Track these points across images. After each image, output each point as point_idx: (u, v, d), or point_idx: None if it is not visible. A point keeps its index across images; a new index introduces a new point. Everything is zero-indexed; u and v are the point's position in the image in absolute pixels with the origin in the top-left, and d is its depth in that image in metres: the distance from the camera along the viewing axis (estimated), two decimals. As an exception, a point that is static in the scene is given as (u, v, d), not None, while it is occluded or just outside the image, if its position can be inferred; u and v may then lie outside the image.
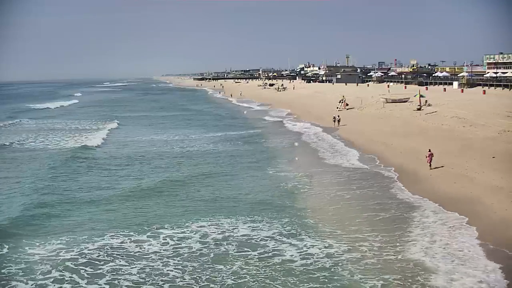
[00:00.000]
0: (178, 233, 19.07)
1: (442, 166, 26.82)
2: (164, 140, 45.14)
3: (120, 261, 16.47)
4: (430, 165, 26.83)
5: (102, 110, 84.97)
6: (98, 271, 15.74)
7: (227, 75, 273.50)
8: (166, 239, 18.42)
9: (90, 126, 58.34)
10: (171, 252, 17.23)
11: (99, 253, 17.10)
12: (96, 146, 41.03)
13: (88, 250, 17.39)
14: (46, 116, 74.53)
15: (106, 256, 16.88)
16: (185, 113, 75.73)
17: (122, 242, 18.16)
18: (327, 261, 16.19)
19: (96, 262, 16.44)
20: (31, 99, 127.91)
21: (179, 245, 17.83)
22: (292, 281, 14.87)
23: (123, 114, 75.66)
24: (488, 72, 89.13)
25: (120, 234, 18.94)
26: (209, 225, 19.89)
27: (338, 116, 48.71)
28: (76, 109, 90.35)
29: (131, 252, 17.28)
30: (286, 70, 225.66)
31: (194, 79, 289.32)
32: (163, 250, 17.46)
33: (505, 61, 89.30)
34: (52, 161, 33.98)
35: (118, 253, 17.19)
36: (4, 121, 65.31)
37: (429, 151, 27.28)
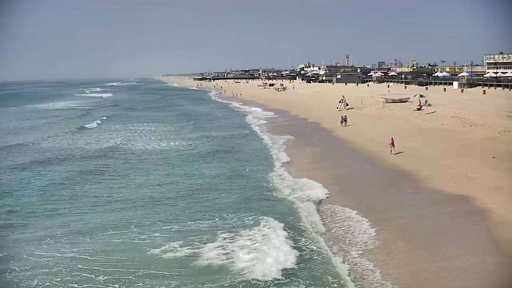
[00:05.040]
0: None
1: (403, 152, 31.12)
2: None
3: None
4: (391, 151, 31.33)
5: (152, 109, 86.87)
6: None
7: (227, 75, 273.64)
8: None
9: (169, 128, 56.61)
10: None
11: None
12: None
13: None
14: (107, 116, 73.25)
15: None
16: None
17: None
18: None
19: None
20: (58, 98, 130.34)
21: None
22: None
23: (182, 114, 75.72)
24: (488, 72, 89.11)
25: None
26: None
27: (345, 116, 47.93)
28: (124, 110, 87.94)
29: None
30: (286, 70, 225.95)
31: (194, 79, 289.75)
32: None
33: (505, 61, 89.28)
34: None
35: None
36: (81, 119, 66.03)
37: (392, 139, 31.88)
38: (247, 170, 30.69)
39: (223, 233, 18.98)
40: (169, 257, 16.93)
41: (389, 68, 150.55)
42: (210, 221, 20.60)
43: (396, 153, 31.07)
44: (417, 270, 15.30)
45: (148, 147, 41.95)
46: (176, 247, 17.65)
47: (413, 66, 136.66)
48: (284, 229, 19.11)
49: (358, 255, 16.64)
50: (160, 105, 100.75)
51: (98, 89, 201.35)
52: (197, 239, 18.39)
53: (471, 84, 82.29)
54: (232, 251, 17.21)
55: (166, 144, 43.15)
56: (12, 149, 41.25)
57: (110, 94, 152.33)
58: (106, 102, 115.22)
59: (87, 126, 58.16)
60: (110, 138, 47.64)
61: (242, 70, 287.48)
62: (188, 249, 17.53)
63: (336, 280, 15.09)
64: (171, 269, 15.99)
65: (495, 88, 73.60)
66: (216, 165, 32.79)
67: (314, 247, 17.55)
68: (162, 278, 15.40)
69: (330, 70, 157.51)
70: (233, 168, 31.32)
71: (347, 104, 60.38)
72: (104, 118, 68.86)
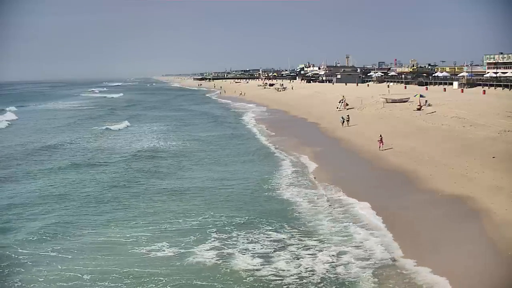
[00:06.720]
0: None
1: (391, 148, 32.80)
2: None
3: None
4: (379, 147, 32.98)
5: (168, 110, 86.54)
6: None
7: (227, 75, 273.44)
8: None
9: (189, 127, 56.86)
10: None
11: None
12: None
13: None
14: (131, 115, 73.40)
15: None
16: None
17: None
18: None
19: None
20: (66, 98, 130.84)
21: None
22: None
23: (192, 114, 75.63)
24: (488, 72, 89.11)
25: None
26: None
27: (348, 116, 47.83)
28: (143, 110, 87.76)
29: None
30: (286, 70, 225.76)
31: (195, 79, 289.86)
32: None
33: (505, 61, 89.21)
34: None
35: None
36: (105, 119, 66.59)
37: (380, 136, 33.59)
38: (249, 171, 30.78)
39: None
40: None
41: (389, 68, 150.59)
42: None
43: (384, 149, 32.71)
44: (416, 270, 15.34)
45: (182, 147, 41.46)
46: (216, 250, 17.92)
47: (413, 66, 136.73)
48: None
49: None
50: (172, 105, 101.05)
51: (104, 89, 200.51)
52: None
53: (471, 84, 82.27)
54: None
55: (186, 143, 43.45)
56: (49, 149, 40.76)
57: (120, 94, 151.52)
58: (120, 102, 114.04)
59: (114, 127, 57.12)
60: (149, 139, 46.97)
61: (242, 70, 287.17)
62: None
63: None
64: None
65: (495, 88, 73.55)
66: (217, 167, 32.93)
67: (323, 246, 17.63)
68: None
69: (330, 70, 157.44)
70: (235, 169, 31.48)
71: (347, 104, 60.39)
72: (129, 117, 69.14)
